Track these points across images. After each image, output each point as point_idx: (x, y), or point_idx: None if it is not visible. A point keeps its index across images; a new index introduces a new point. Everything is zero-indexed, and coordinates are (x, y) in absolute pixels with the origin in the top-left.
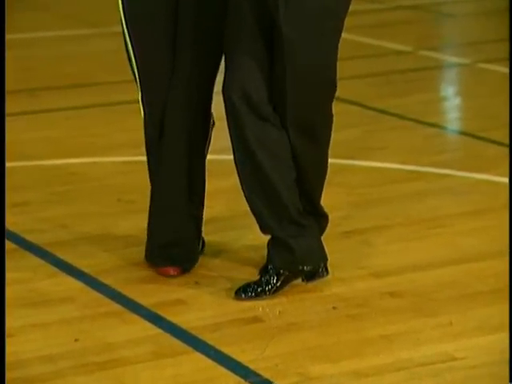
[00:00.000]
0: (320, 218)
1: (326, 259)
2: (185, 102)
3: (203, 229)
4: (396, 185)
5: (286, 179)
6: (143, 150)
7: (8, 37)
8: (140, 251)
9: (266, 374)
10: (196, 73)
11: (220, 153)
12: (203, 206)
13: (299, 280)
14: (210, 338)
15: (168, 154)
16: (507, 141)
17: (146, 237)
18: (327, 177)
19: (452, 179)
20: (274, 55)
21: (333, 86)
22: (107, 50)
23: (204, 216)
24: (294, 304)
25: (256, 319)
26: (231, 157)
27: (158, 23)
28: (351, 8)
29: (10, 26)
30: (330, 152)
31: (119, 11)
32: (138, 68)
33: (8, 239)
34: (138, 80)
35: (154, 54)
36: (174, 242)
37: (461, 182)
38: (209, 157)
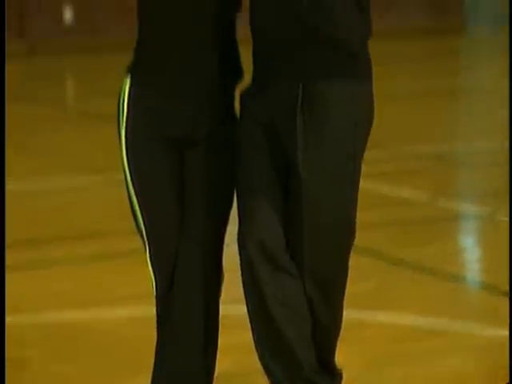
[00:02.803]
0: (334, 378)
1: None
2: (197, 257)
3: None
4: (413, 343)
5: (301, 335)
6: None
7: (8, 187)
8: None
9: None
10: (207, 228)
11: (230, 303)
12: (215, 358)
13: None
14: None
15: (181, 310)
16: None
17: None
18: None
19: (472, 336)
20: (290, 201)
21: (352, 236)
22: (111, 198)
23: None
24: None
25: None
26: (243, 309)
27: (164, 179)
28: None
29: (10, 173)
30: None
31: (123, 166)
32: (144, 224)
33: None
34: (145, 236)
35: (162, 211)
36: None
37: (481, 340)
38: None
